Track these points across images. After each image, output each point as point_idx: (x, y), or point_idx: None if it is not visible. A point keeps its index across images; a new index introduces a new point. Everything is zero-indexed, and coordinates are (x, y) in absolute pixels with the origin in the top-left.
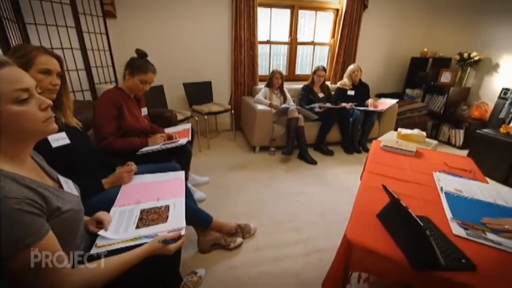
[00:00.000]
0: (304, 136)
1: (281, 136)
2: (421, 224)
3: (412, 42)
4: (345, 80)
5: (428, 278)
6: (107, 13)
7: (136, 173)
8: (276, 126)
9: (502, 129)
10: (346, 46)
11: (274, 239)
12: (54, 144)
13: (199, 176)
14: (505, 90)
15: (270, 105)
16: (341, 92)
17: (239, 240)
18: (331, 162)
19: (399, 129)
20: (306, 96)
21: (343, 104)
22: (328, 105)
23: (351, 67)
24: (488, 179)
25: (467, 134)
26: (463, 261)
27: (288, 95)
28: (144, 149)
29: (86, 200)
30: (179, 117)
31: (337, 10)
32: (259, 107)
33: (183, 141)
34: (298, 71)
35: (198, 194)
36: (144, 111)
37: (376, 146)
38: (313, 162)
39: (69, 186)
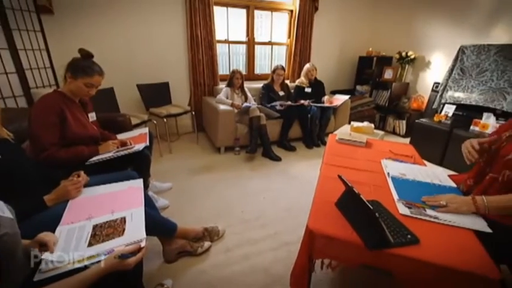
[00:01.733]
0: (267, 134)
1: (245, 135)
2: (371, 207)
3: (359, 42)
4: (302, 78)
5: (381, 255)
6: (42, 8)
7: (86, 185)
8: (239, 125)
9: (435, 118)
10: (302, 46)
11: (243, 238)
12: None
13: (162, 183)
14: (436, 84)
15: (232, 105)
16: (299, 89)
17: (207, 244)
18: (294, 158)
19: (352, 123)
20: (267, 95)
21: (302, 101)
22: (289, 103)
23: (306, 66)
24: (426, 162)
25: (409, 124)
26: (409, 236)
27: (249, 94)
28: (95, 158)
29: (26, 221)
30: (134, 121)
31: (291, 11)
32: (221, 107)
33: (139, 146)
34: (257, 71)
35: (160, 202)
36: (92, 116)
37: (332, 139)
38: (277, 159)
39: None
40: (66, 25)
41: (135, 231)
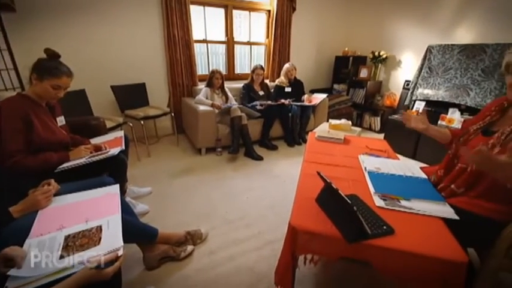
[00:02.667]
0: (249, 134)
1: (226, 136)
2: (349, 201)
3: (335, 42)
4: (282, 78)
5: (360, 247)
6: (2, 6)
7: (58, 194)
8: (220, 126)
9: (404, 115)
10: (280, 46)
11: (227, 239)
12: None
13: (140, 188)
14: (407, 82)
15: (212, 105)
16: (279, 89)
17: (190, 248)
18: (276, 156)
19: (330, 120)
20: (247, 95)
21: (282, 101)
22: (269, 102)
23: (286, 66)
24: (400, 156)
25: (383, 120)
26: (384, 227)
27: (230, 94)
28: (65, 165)
29: None
30: (109, 124)
31: (269, 11)
32: (201, 108)
33: (114, 151)
34: (237, 70)
35: (139, 207)
36: (61, 120)
37: (312, 137)
38: (259, 158)
39: None
40: (31, 23)
41: (112, 240)
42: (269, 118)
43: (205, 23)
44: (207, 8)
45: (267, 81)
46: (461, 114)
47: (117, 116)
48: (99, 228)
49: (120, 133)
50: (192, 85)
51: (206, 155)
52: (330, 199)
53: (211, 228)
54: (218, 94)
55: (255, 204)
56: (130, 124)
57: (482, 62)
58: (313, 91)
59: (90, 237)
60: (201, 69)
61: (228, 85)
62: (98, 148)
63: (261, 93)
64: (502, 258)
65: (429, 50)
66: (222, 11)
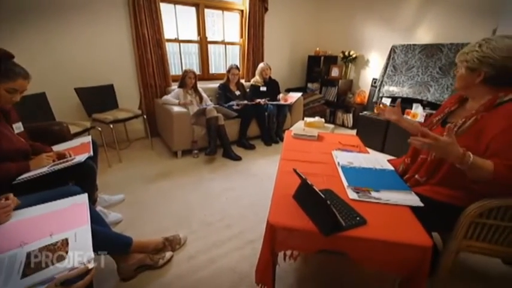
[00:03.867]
0: (226, 134)
1: (203, 137)
2: (323, 196)
3: (307, 42)
4: (257, 77)
5: (335, 239)
6: None
7: (18, 208)
8: (196, 127)
9: (375, 110)
10: (254, 46)
11: (207, 242)
12: None
13: (112, 195)
14: (375, 80)
15: (179, 104)
16: (255, 88)
17: (168, 254)
18: (254, 156)
19: (305, 118)
20: (224, 95)
21: (258, 100)
22: (245, 102)
23: (260, 65)
24: (370, 150)
25: (354, 116)
26: (358, 218)
27: (204, 94)
28: (25, 175)
29: None
30: (74, 129)
31: (242, 11)
32: (176, 109)
33: (80, 158)
34: (212, 70)
35: (112, 216)
36: (19, 127)
37: (288, 135)
38: (237, 158)
39: None
40: None
41: (81, 252)
42: (246, 118)
43: (176, 22)
44: (178, 7)
45: (242, 81)
46: (424, 109)
47: (83, 121)
48: (65, 242)
49: (87, 138)
50: (165, 86)
51: (182, 157)
52: (306, 195)
53: (190, 232)
54: (191, 94)
55: (234, 204)
56: (99, 128)
57: (439, 60)
58: (288, 90)
59: (56, 252)
60: (175, 69)
61: (202, 85)
62: (61, 155)
63: (238, 93)
64: (461, 240)
65: (393, 49)
66: (193, 9)
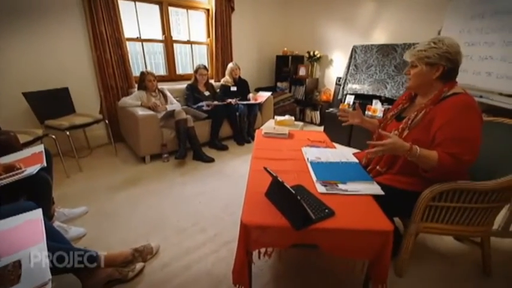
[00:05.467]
0: (196, 136)
1: (172, 140)
2: (293, 191)
3: (275, 42)
4: (227, 77)
5: (307, 232)
6: None
7: None
8: (165, 130)
9: (340, 107)
10: (223, 45)
11: (182, 248)
12: None
13: (72, 209)
14: (338, 78)
15: (142, 105)
16: (225, 88)
17: (139, 265)
18: (227, 156)
19: (275, 117)
20: (192, 96)
21: (229, 100)
22: (215, 102)
23: (230, 65)
24: (337, 145)
25: (322, 114)
26: (326, 211)
27: (168, 93)
28: None
29: None
30: (24, 138)
31: (208, 10)
32: (141, 112)
33: (32, 169)
34: (180, 71)
35: (73, 231)
36: None
37: (259, 134)
38: (209, 160)
39: None
40: None
41: (36, 275)
42: (217, 118)
43: (137, 20)
44: (140, 4)
45: (212, 81)
46: (382, 104)
47: (35, 128)
48: (18, 264)
49: (39, 148)
50: (127, 87)
51: (151, 162)
52: (277, 192)
53: (163, 240)
54: (156, 96)
55: (208, 207)
56: (53, 136)
57: (394, 59)
58: (258, 89)
59: (6, 276)
60: (138, 70)
61: (170, 86)
62: (9, 168)
63: (207, 93)
64: (418, 223)
65: (354, 49)
66: (156, 7)
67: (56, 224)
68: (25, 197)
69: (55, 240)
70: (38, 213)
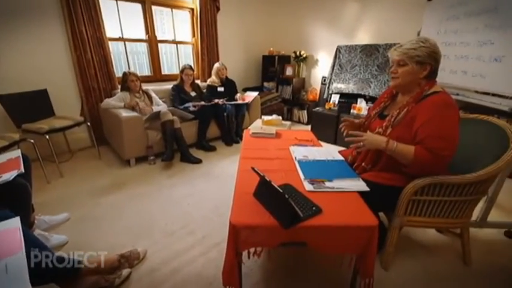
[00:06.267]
0: (183, 137)
1: (158, 141)
2: (281, 190)
3: (261, 42)
4: (214, 77)
5: (295, 230)
6: None
7: None
8: (150, 132)
9: (326, 106)
10: (208, 45)
11: (170, 252)
12: None
13: (54, 216)
14: (324, 78)
15: (125, 106)
16: (212, 89)
17: (126, 271)
18: (215, 157)
19: (263, 117)
20: (178, 96)
21: (216, 100)
22: (202, 103)
23: (216, 65)
24: (324, 143)
25: (309, 113)
26: (314, 208)
27: (153, 94)
28: None
29: None
30: None
31: (193, 9)
32: (124, 114)
33: (8, 176)
34: (165, 71)
35: (55, 239)
36: None
37: (246, 134)
38: (197, 161)
39: None
40: None
41: (15, 286)
42: (204, 119)
43: (119, 19)
44: (122, 3)
45: (198, 81)
46: (366, 103)
47: (11, 133)
48: None
49: (16, 153)
50: (111, 89)
51: (137, 165)
52: (265, 191)
53: (151, 244)
54: (140, 97)
55: (197, 209)
56: (31, 140)
57: (377, 59)
58: (245, 89)
59: None
60: (121, 71)
61: (155, 87)
62: None
63: (193, 94)
64: (402, 216)
65: (338, 49)
66: (139, 6)
67: (37, 232)
68: (2, 205)
69: (35, 250)
70: (16, 221)
